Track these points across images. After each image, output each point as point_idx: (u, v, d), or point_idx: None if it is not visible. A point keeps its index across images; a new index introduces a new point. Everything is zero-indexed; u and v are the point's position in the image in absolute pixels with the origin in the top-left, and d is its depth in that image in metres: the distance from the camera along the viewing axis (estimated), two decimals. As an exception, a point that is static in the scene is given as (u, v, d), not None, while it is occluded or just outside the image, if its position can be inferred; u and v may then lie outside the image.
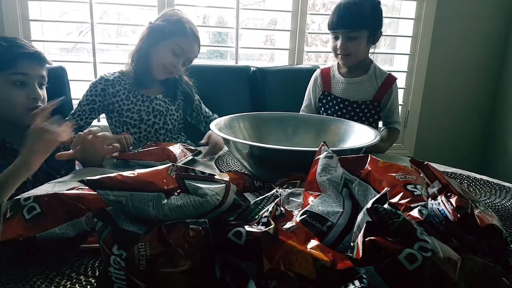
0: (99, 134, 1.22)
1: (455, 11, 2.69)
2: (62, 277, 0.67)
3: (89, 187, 0.60)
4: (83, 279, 0.67)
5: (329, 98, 1.80)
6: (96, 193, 0.78)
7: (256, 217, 0.66)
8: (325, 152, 0.79)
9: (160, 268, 0.54)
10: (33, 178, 1.27)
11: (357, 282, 0.56)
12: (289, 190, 0.86)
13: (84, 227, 0.78)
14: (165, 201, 0.59)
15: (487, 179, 1.27)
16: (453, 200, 0.70)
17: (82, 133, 1.21)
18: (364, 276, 0.55)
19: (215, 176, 0.67)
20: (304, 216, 0.71)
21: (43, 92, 1.34)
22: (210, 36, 3.51)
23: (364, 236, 0.52)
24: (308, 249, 0.58)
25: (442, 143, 2.93)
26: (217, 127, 1.17)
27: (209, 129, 1.69)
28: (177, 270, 0.54)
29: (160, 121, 1.66)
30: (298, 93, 1.92)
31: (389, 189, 0.63)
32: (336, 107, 1.77)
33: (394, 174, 0.68)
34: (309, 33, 2.59)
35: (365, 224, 0.54)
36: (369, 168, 0.71)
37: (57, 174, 1.32)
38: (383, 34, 1.73)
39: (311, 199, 0.75)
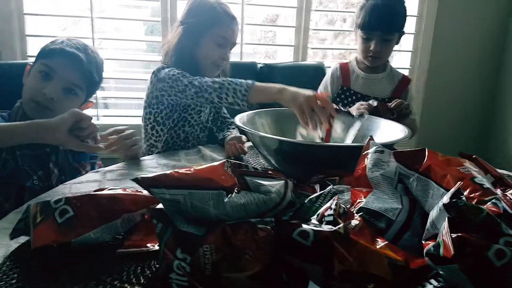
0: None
1: (457, 7, 2.67)
2: (104, 285, 0.62)
3: (142, 186, 0.55)
4: (128, 287, 0.62)
5: (348, 93, 1.75)
6: (132, 193, 0.74)
7: (314, 216, 0.61)
8: (375, 147, 0.75)
9: (225, 272, 0.50)
10: (59, 172, 1.21)
11: (433, 281, 0.53)
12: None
13: (120, 231, 0.73)
14: (227, 199, 0.54)
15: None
16: (510, 194, 0.67)
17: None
18: (441, 273, 0.52)
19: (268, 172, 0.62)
20: (360, 213, 0.67)
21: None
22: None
23: (451, 233, 0.49)
24: (380, 249, 0.54)
25: (443, 136, 2.91)
26: (241, 121, 1.14)
27: (221, 130, 1.64)
28: (244, 274, 0.50)
29: (195, 114, 1.57)
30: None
31: (461, 182, 0.59)
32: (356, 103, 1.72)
33: (458, 168, 0.65)
34: (313, 30, 2.55)
35: (447, 221, 0.51)
36: (429, 162, 0.67)
37: (83, 170, 1.26)
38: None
39: (362, 196, 0.71)
